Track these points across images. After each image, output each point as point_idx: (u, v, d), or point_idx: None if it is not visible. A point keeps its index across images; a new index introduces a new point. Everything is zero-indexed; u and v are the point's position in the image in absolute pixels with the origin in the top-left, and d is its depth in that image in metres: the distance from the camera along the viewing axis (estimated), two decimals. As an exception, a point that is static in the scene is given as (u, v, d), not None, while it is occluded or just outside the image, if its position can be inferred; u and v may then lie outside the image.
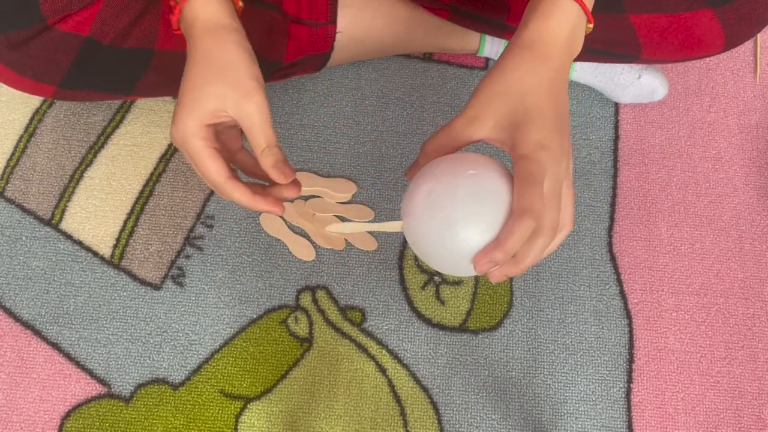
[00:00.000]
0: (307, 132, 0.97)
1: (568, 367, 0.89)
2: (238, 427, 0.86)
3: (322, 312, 0.90)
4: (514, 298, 0.91)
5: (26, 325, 0.89)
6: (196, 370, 0.88)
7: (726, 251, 0.94)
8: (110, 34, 0.75)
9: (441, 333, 0.90)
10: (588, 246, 0.93)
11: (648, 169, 0.97)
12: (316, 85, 0.99)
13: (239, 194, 0.59)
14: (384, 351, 0.89)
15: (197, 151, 0.59)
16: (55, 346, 0.88)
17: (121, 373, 0.88)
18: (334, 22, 0.86)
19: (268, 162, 0.59)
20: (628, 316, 0.91)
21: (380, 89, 0.99)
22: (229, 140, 0.64)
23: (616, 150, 0.98)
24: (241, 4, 0.64)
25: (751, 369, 0.90)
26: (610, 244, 0.94)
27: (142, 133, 0.97)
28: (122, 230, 0.93)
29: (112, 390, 0.87)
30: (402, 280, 0.91)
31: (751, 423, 0.88)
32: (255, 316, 0.90)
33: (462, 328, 0.90)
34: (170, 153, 0.96)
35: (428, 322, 0.90)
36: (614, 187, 0.96)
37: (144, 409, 0.87)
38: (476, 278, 0.92)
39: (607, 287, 0.92)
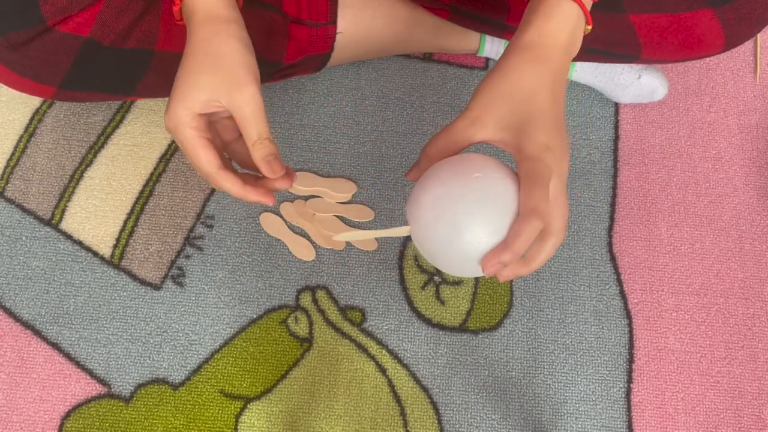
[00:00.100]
0: (307, 132, 0.97)
1: (568, 367, 0.89)
2: (238, 427, 0.86)
3: (322, 312, 0.90)
4: (514, 298, 0.91)
5: (26, 325, 0.89)
6: (196, 370, 0.88)
7: (726, 251, 0.94)
8: (110, 35, 0.75)
9: (441, 333, 0.90)
10: (588, 246, 0.93)
11: (648, 169, 0.97)
12: (316, 85, 0.99)
13: (230, 184, 0.59)
14: (384, 351, 0.89)
15: (188, 140, 0.59)
16: (55, 346, 0.88)
17: (121, 373, 0.88)
18: (334, 22, 0.86)
19: (258, 155, 0.59)
20: (628, 316, 0.91)
21: (380, 89, 0.99)
22: (224, 130, 0.64)
23: (616, 150, 0.98)
24: None
25: (751, 369, 0.90)
26: (610, 244, 0.94)
27: (142, 133, 0.97)
28: (122, 230, 0.93)
29: (112, 390, 0.87)
30: (402, 280, 0.92)
31: (751, 423, 0.88)
32: (255, 316, 0.90)
33: (462, 328, 0.90)
34: (170, 153, 0.96)
35: (428, 322, 0.90)
36: (614, 187, 0.96)
37: (144, 409, 0.87)
38: (476, 278, 0.92)
39: (607, 287, 0.92)
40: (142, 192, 0.94)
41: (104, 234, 0.93)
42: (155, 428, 0.86)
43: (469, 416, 0.87)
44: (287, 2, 0.83)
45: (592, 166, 0.97)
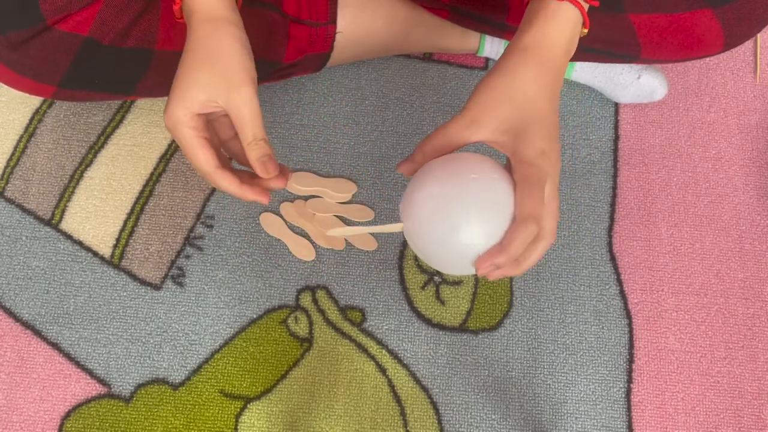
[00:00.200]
0: (307, 132, 0.97)
1: (568, 367, 0.89)
2: (238, 427, 0.86)
3: (322, 312, 0.90)
4: (514, 298, 0.91)
5: (26, 325, 0.89)
6: (196, 370, 0.88)
7: (726, 251, 0.94)
8: (110, 34, 0.75)
9: (441, 333, 0.90)
10: (588, 246, 0.93)
11: (648, 169, 0.97)
12: (316, 85, 0.99)
13: (227, 183, 0.60)
14: (384, 351, 0.89)
15: (187, 139, 0.60)
16: (55, 346, 0.88)
17: (121, 373, 0.88)
18: (334, 22, 0.86)
19: (253, 156, 0.60)
20: (628, 316, 0.91)
21: (380, 89, 0.99)
22: (221, 128, 0.64)
23: (616, 150, 0.98)
24: None
25: (751, 369, 0.90)
26: (610, 244, 0.94)
27: (142, 133, 0.97)
28: (122, 230, 0.93)
29: (112, 390, 0.87)
30: (402, 280, 0.91)
31: (751, 423, 0.88)
32: (255, 316, 0.90)
33: (462, 328, 0.90)
34: (170, 153, 0.96)
35: (428, 322, 0.90)
36: (614, 187, 0.96)
37: (144, 409, 0.87)
38: (476, 278, 0.92)
39: (607, 287, 0.92)
40: (142, 192, 0.94)
41: (104, 234, 0.93)
42: (155, 428, 0.86)
43: (469, 416, 0.87)
44: (287, 2, 0.83)
45: (592, 166, 0.97)
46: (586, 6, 0.61)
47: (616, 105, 0.99)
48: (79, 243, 0.92)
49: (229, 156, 0.65)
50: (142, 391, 0.87)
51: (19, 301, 0.90)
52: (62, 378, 0.87)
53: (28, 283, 0.90)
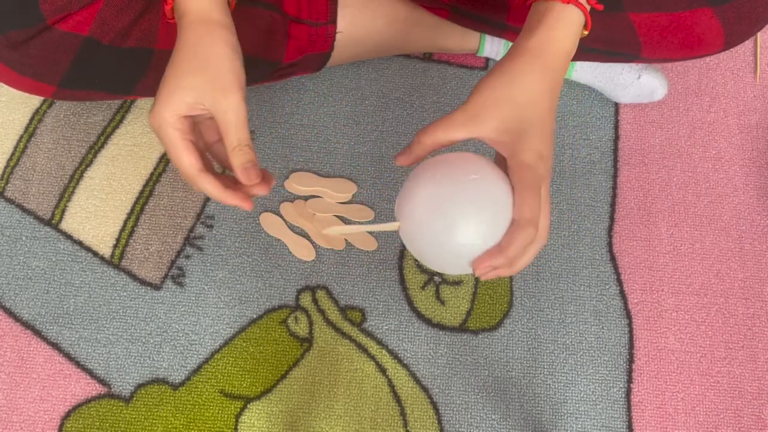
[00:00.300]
0: (307, 132, 0.97)
1: (568, 367, 0.89)
2: (238, 427, 0.86)
3: (322, 312, 0.90)
4: (514, 298, 0.91)
5: (26, 325, 0.89)
6: (196, 370, 0.88)
7: (726, 251, 0.94)
8: (110, 33, 0.75)
9: (441, 333, 0.90)
10: (588, 246, 0.93)
11: (648, 169, 0.97)
12: (316, 85, 0.99)
13: (210, 187, 0.60)
14: (384, 351, 0.89)
15: (172, 141, 0.59)
16: (55, 346, 0.88)
17: (121, 373, 0.88)
18: (334, 22, 0.86)
19: (236, 162, 0.60)
20: (628, 316, 0.91)
21: (380, 89, 0.99)
22: (207, 131, 0.64)
23: (616, 150, 0.98)
24: None
25: (751, 369, 0.90)
26: (610, 244, 0.94)
27: (142, 133, 0.97)
28: (122, 230, 0.93)
29: (112, 390, 0.87)
30: (402, 280, 0.91)
31: (751, 423, 0.88)
32: (255, 316, 0.90)
33: (462, 328, 0.90)
34: (170, 153, 0.96)
35: (428, 322, 0.90)
36: (614, 187, 0.96)
37: (144, 409, 0.86)
38: (476, 279, 0.92)
39: (607, 287, 0.92)
40: (142, 192, 0.94)
41: (104, 234, 0.93)
42: (155, 428, 0.86)
43: (469, 416, 0.87)
44: (287, 2, 0.83)
45: (592, 166, 0.97)
46: (588, 8, 0.61)
47: (616, 105, 0.99)
48: (79, 243, 0.92)
49: (214, 159, 0.65)
50: (142, 391, 0.87)
51: (19, 301, 0.90)
52: (62, 378, 0.87)
53: (28, 283, 0.90)
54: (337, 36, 0.87)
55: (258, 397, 0.87)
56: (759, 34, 1.04)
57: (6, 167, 0.95)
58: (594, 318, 0.91)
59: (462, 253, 0.56)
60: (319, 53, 0.88)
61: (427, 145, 0.60)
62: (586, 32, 0.62)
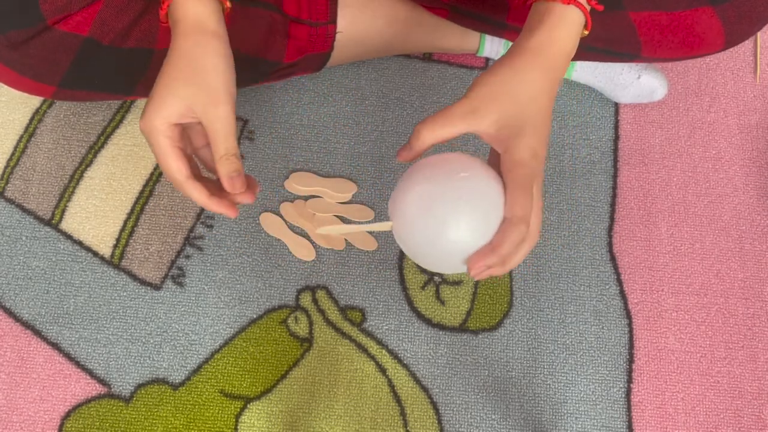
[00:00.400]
0: (307, 132, 0.97)
1: (568, 367, 0.89)
2: (238, 427, 0.86)
3: (322, 312, 0.90)
4: (514, 298, 0.91)
5: (26, 325, 0.89)
6: (196, 370, 0.88)
7: (726, 251, 0.94)
8: (110, 34, 0.75)
9: (441, 333, 0.90)
10: (588, 246, 0.93)
11: (648, 169, 0.97)
12: (316, 85, 0.99)
13: (197, 194, 0.61)
14: (384, 351, 0.89)
15: (162, 148, 0.60)
16: (55, 346, 0.88)
17: (121, 373, 0.88)
18: (334, 21, 0.86)
19: (223, 170, 0.61)
20: (628, 316, 0.91)
21: (380, 89, 0.99)
22: (195, 136, 0.65)
23: (616, 150, 0.98)
24: (229, 4, 0.64)
25: (751, 369, 0.89)
26: (610, 244, 0.94)
27: (142, 134, 0.97)
28: (122, 230, 0.93)
29: (112, 390, 0.87)
30: (402, 280, 0.91)
31: (751, 423, 0.88)
32: (255, 316, 0.90)
33: (462, 328, 0.90)
34: (170, 153, 0.96)
35: (428, 322, 0.90)
36: (614, 187, 0.96)
37: (144, 409, 0.87)
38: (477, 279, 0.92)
39: (607, 287, 0.92)
40: (142, 192, 0.94)
41: (104, 234, 0.93)
42: (155, 428, 0.86)
43: (469, 416, 0.87)
44: (287, 2, 0.83)
45: (592, 166, 0.97)
46: (588, 8, 0.61)
47: (616, 105, 0.99)
48: (79, 243, 0.92)
49: (200, 163, 0.66)
50: (142, 391, 0.87)
51: (19, 301, 0.90)
52: (62, 378, 0.87)
53: (28, 283, 0.90)
54: (337, 36, 0.87)
55: (258, 397, 0.87)
56: (759, 34, 1.04)
57: (6, 167, 0.95)
58: (594, 318, 0.91)
59: (453, 250, 0.57)
60: (319, 53, 0.88)
61: (427, 140, 0.60)
62: (586, 32, 0.62)
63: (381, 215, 0.94)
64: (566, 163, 0.96)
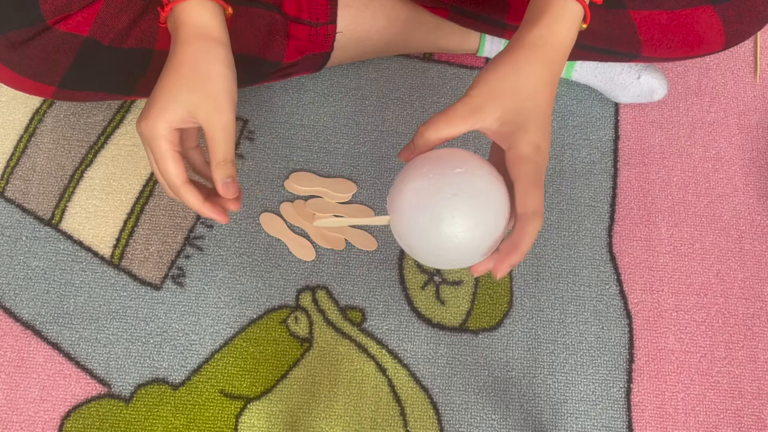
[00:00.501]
0: (307, 132, 0.97)
1: (568, 367, 0.89)
2: (238, 427, 0.86)
3: (322, 312, 0.90)
4: (514, 298, 0.91)
5: (26, 325, 0.89)
6: (196, 370, 0.88)
7: (726, 251, 0.94)
8: (110, 34, 0.75)
9: (441, 333, 0.90)
10: (588, 246, 0.93)
11: (648, 169, 0.97)
12: (316, 85, 0.99)
13: (192, 198, 0.62)
14: (384, 351, 0.89)
15: (162, 152, 0.61)
16: (55, 346, 0.88)
17: (121, 373, 0.88)
18: (334, 21, 0.86)
19: (219, 175, 0.62)
20: (628, 316, 0.91)
21: (380, 89, 0.99)
22: (187, 138, 0.66)
23: (616, 150, 0.98)
24: (231, 10, 0.65)
25: (751, 369, 0.89)
26: (610, 244, 0.94)
27: (142, 133, 0.97)
28: (122, 230, 0.93)
29: (112, 390, 0.87)
30: (402, 280, 0.91)
31: (751, 423, 0.88)
32: (255, 316, 0.90)
33: (462, 328, 0.90)
34: (170, 153, 0.96)
35: (428, 322, 0.90)
36: (614, 187, 0.96)
37: (144, 409, 0.87)
38: (476, 278, 0.92)
39: (607, 287, 0.92)
40: (142, 192, 0.94)
41: (104, 234, 0.93)
42: (155, 428, 0.86)
43: (469, 416, 0.87)
44: (287, 2, 0.83)
45: (592, 166, 0.97)
46: (587, 1, 0.61)
47: (616, 105, 0.99)
48: (79, 243, 0.92)
49: (188, 164, 0.67)
50: (142, 391, 0.87)
51: (19, 301, 0.90)
52: (62, 378, 0.87)
53: (28, 283, 0.90)
54: (337, 36, 0.87)
55: (258, 397, 0.87)
56: (759, 34, 1.04)
57: (6, 167, 0.95)
58: (594, 318, 0.91)
59: (449, 246, 0.57)
60: (319, 53, 0.88)
61: (431, 140, 0.60)
62: (584, 25, 0.62)
63: (381, 215, 0.94)
64: (566, 163, 0.96)
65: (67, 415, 0.86)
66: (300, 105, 0.98)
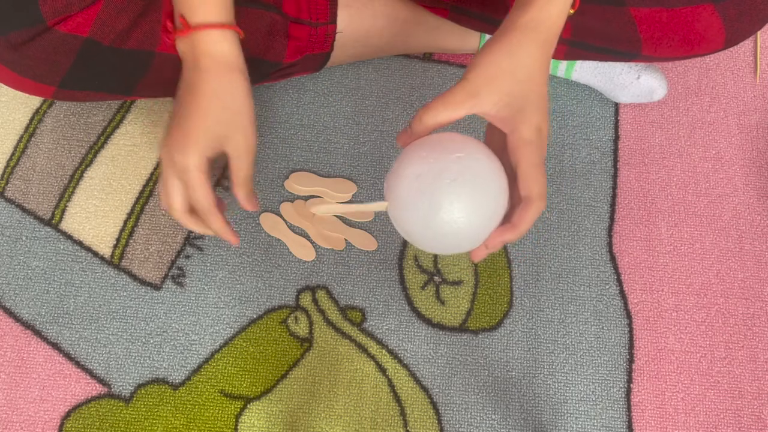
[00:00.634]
0: (307, 132, 0.97)
1: (568, 367, 0.89)
2: (238, 427, 0.86)
3: (322, 312, 0.90)
4: (514, 298, 0.91)
5: (26, 325, 0.89)
6: (196, 370, 0.88)
7: (726, 251, 0.94)
8: (110, 35, 0.75)
9: (441, 333, 0.90)
10: (588, 246, 0.93)
11: (648, 169, 0.97)
12: (316, 85, 0.99)
13: (218, 222, 0.65)
14: (384, 351, 0.89)
15: (198, 182, 0.63)
16: (55, 346, 0.88)
17: (121, 373, 0.88)
18: (334, 21, 0.86)
19: (242, 192, 0.66)
20: (628, 316, 0.91)
21: (380, 89, 0.99)
22: None
23: (616, 150, 0.98)
24: (243, 34, 0.66)
25: (751, 369, 0.90)
26: (610, 244, 0.94)
27: (142, 133, 0.97)
28: (122, 230, 0.93)
29: (112, 390, 0.87)
30: (402, 280, 0.91)
31: (751, 423, 0.88)
32: (255, 316, 0.90)
33: (462, 328, 0.90)
34: (170, 153, 0.96)
35: (428, 322, 0.90)
36: (614, 187, 0.96)
37: (144, 409, 0.87)
38: (476, 278, 0.92)
39: (607, 287, 0.92)
40: (142, 192, 0.94)
41: (104, 234, 0.93)
42: (155, 428, 0.86)
43: (469, 416, 0.87)
44: (287, 2, 0.83)
45: (592, 166, 0.97)
46: None
47: (616, 105, 0.99)
48: (79, 243, 0.92)
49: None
50: (142, 391, 0.87)
51: (19, 301, 0.90)
52: (62, 378, 0.87)
53: (28, 283, 0.90)
54: (337, 36, 0.87)
55: (258, 397, 0.87)
56: (759, 34, 1.04)
57: (6, 167, 0.95)
58: (594, 318, 0.91)
59: (448, 231, 0.57)
60: (319, 53, 0.88)
61: (429, 125, 0.60)
62: (572, 11, 0.63)
63: (380, 215, 0.94)
64: (566, 163, 0.96)
65: (67, 415, 0.86)
66: (300, 105, 0.98)
